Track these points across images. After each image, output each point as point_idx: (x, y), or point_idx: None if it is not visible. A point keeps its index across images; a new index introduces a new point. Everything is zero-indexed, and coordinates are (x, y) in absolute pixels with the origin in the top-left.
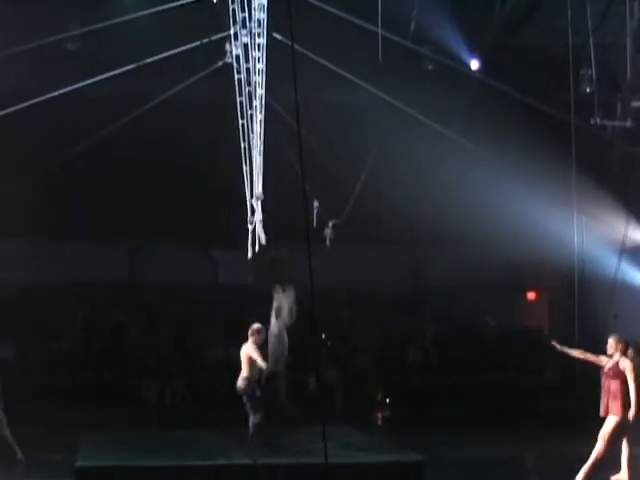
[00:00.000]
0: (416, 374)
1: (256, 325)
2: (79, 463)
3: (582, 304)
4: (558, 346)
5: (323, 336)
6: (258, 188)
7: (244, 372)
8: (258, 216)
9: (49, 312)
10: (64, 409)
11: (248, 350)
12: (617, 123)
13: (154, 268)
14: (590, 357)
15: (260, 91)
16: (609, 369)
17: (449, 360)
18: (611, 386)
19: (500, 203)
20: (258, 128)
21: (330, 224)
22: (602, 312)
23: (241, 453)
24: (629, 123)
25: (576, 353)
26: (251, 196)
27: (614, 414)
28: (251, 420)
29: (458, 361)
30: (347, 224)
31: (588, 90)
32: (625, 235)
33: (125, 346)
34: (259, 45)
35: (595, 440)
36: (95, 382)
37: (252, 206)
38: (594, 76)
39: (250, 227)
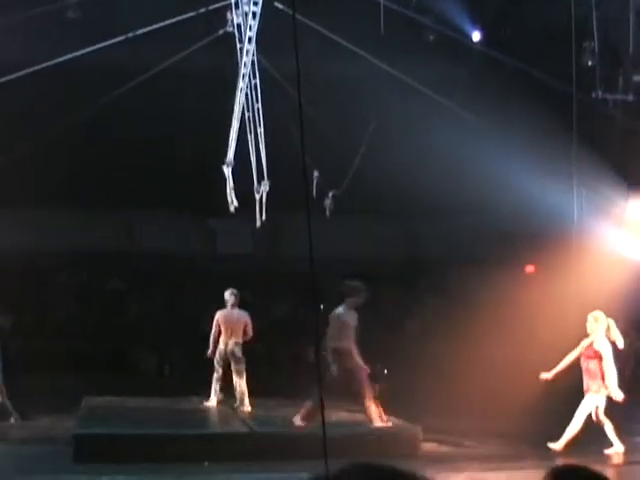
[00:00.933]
0: (414, 345)
1: (233, 290)
2: (76, 430)
3: (580, 279)
4: (549, 376)
5: (322, 307)
6: (230, 154)
7: (238, 338)
8: (230, 183)
9: (47, 280)
10: (62, 377)
11: (244, 316)
12: (619, 97)
13: (152, 237)
14: (576, 353)
15: (251, 58)
16: (586, 349)
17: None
18: (589, 366)
19: (500, 175)
20: (239, 95)
21: (330, 194)
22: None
23: (238, 422)
24: (631, 97)
25: (565, 363)
26: (256, 166)
27: (594, 392)
28: (240, 383)
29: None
30: (346, 196)
31: (590, 63)
32: (624, 209)
33: (122, 315)
34: (254, 13)
35: None
36: (93, 350)
37: (259, 175)
38: (596, 49)
39: (257, 196)
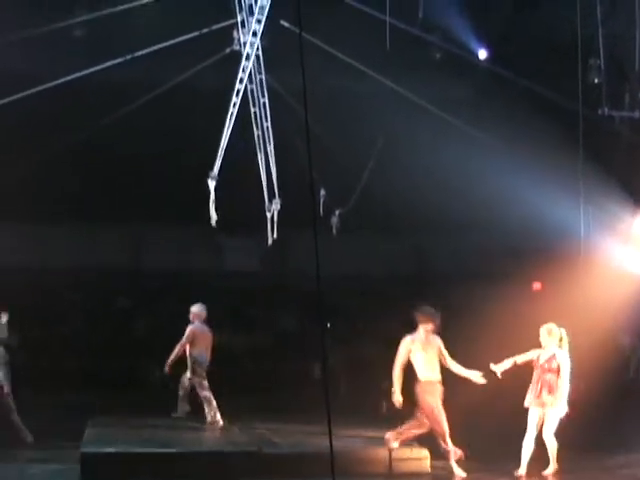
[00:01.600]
0: None
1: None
2: (84, 449)
3: (587, 294)
4: (496, 368)
5: (328, 325)
6: (216, 169)
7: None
8: (212, 196)
9: (53, 297)
10: (69, 395)
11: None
12: (625, 114)
13: (159, 254)
14: (522, 359)
15: (247, 74)
16: (545, 362)
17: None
18: (547, 379)
19: (507, 192)
20: (232, 109)
21: (337, 212)
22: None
23: (246, 440)
24: (637, 114)
25: (509, 364)
26: (267, 184)
27: (551, 407)
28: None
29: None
30: (353, 213)
31: (596, 80)
32: (631, 225)
33: (129, 331)
34: (254, 32)
35: None
36: (99, 368)
37: (270, 193)
38: (602, 66)
39: (269, 215)
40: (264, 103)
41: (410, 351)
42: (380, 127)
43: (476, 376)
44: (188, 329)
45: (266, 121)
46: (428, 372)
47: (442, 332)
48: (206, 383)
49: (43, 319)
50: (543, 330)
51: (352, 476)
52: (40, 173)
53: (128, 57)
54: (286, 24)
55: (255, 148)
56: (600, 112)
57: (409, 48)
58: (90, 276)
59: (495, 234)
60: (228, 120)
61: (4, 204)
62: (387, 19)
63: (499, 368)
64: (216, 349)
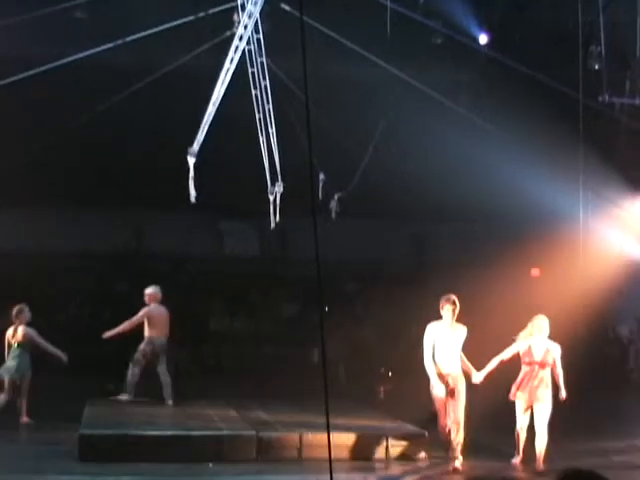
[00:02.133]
0: (421, 348)
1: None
2: (82, 431)
3: (585, 282)
4: (479, 376)
5: (326, 309)
6: (196, 145)
7: (167, 333)
8: (191, 173)
9: (56, 282)
10: (68, 379)
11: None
12: (625, 100)
13: (161, 239)
14: (507, 355)
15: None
16: (542, 358)
17: None
18: (541, 374)
19: (506, 178)
20: (219, 88)
21: (336, 197)
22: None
23: (244, 423)
24: (637, 101)
25: (494, 363)
26: (269, 167)
27: (544, 402)
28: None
29: None
30: (353, 198)
31: (597, 67)
32: (630, 211)
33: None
34: (250, 13)
35: None
36: (99, 352)
37: (273, 176)
38: (603, 53)
39: (271, 198)
40: (265, 86)
41: (434, 338)
42: (380, 112)
43: (475, 376)
44: (142, 310)
45: (267, 104)
46: (442, 363)
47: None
48: (164, 365)
49: (45, 304)
50: (537, 322)
51: (348, 460)
52: (41, 158)
53: (128, 39)
54: (287, 8)
55: (256, 131)
56: (600, 99)
57: (410, 33)
58: (92, 261)
59: (494, 220)
60: (214, 97)
61: (5, 189)
62: (388, 4)
63: (481, 375)
64: (174, 329)
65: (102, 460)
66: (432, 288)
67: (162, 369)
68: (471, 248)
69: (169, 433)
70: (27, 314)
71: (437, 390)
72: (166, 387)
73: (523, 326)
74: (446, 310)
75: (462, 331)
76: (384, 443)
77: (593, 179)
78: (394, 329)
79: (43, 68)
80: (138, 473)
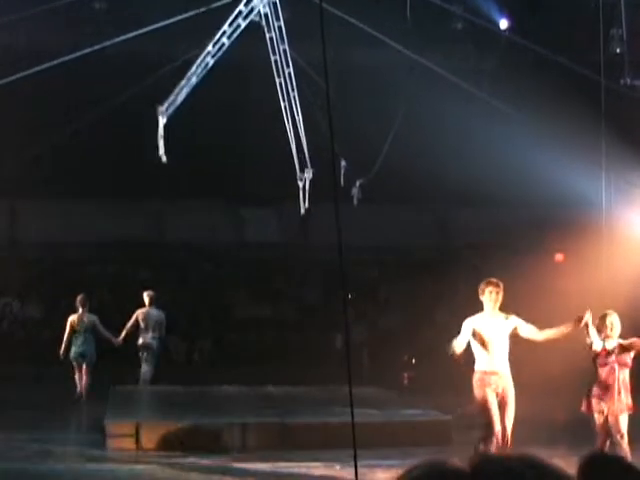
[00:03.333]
0: (445, 334)
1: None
2: (107, 419)
3: (610, 266)
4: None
5: (350, 295)
6: (167, 104)
7: (154, 333)
8: (160, 131)
9: (78, 271)
10: (93, 366)
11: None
12: None
13: (181, 227)
14: (564, 330)
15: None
16: (619, 356)
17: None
18: (622, 376)
19: (528, 163)
20: (207, 58)
21: (357, 183)
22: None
23: (269, 411)
24: None
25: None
26: (297, 154)
27: (628, 410)
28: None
29: None
30: (375, 184)
31: (618, 50)
32: None
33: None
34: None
35: None
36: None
37: (301, 163)
38: (625, 36)
39: (300, 184)
40: (289, 73)
41: (473, 332)
42: (401, 98)
43: (566, 327)
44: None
45: (292, 91)
46: (480, 361)
47: (467, 303)
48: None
49: (66, 293)
50: (611, 319)
51: (373, 447)
52: (63, 150)
53: (149, 29)
54: None
55: (277, 119)
56: (622, 82)
57: (430, 19)
58: (114, 250)
59: (516, 205)
60: (199, 60)
61: (28, 181)
62: None
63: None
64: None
65: (126, 448)
66: (455, 273)
67: (144, 365)
68: (494, 233)
69: (194, 421)
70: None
71: (479, 391)
72: (143, 381)
73: (549, 312)
74: (487, 296)
75: (509, 321)
76: (408, 429)
77: (616, 162)
78: (417, 315)
79: (65, 58)
80: (163, 460)
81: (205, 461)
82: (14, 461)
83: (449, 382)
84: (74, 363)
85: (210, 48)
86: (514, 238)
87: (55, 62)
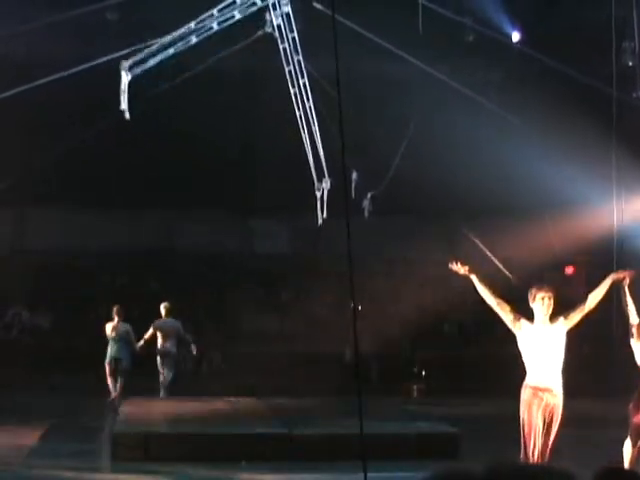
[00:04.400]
0: (452, 346)
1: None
2: (117, 429)
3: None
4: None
5: (359, 308)
6: (131, 62)
7: (172, 341)
8: (123, 86)
9: (86, 280)
10: (101, 376)
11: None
12: None
13: (191, 237)
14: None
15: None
16: None
17: (486, 332)
18: None
19: (539, 176)
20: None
21: (368, 195)
22: None
23: (277, 422)
24: None
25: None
26: (314, 163)
27: None
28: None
29: (494, 333)
30: (386, 196)
31: (630, 63)
32: None
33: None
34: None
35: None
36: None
37: (319, 173)
38: (637, 49)
39: (318, 194)
40: (304, 84)
41: (514, 322)
42: (413, 110)
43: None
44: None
45: (307, 101)
46: (532, 374)
47: (475, 317)
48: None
49: (75, 302)
50: None
51: (382, 459)
52: (73, 158)
53: (160, 40)
54: (319, 6)
55: (288, 129)
56: (634, 95)
57: (442, 31)
58: (123, 260)
59: (526, 218)
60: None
61: (38, 189)
62: (420, 1)
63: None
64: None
65: (135, 458)
66: (463, 286)
67: (164, 369)
68: (504, 245)
69: (202, 431)
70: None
71: (526, 411)
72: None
73: None
74: (538, 302)
75: (560, 329)
76: (417, 442)
77: (627, 176)
78: (428, 327)
79: (76, 69)
80: (171, 471)
81: (213, 472)
82: (21, 469)
83: (458, 393)
84: (108, 367)
85: (192, 25)
86: (524, 251)
87: (65, 73)
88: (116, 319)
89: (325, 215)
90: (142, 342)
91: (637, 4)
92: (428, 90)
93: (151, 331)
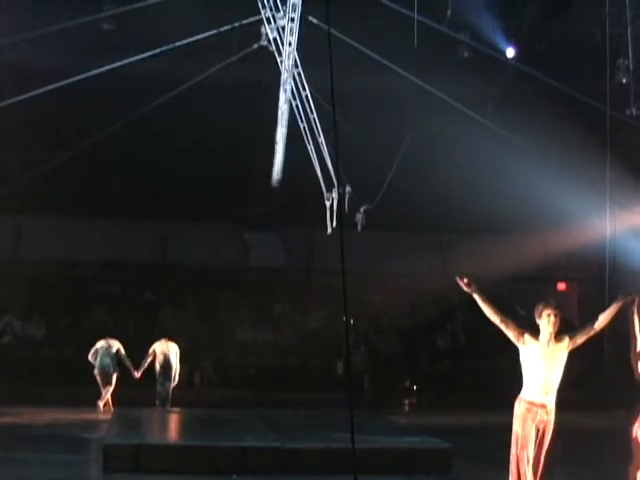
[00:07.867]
0: (444, 360)
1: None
2: (108, 440)
3: (613, 295)
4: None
5: (352, 321)
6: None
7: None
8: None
9: (81, 291)
10: (94, 387)
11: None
12: None
13: (186, 249)
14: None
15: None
16: None
17: (478, 347)
18: None
19: (532, 192)
20: None
21: (362, 209)
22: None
23: (269, 435)
24: None
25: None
26: (322, 174)
27: None
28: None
29: (487, 348)
30: (379, 210)
31: (624, 80)
32: None
33: (156, 325)
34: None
35: None
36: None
37: (328, 183)
38: (631, 66)
39: (327, 204)
40: (306, 96)
41: (518, 338)
42: (407, 125)
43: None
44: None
45: (311, 113)
46: (529, 389)
47: (467, 331)
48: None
49: (69, 312)
50: None
51: (374, 473)
52: (70, 169)
53: (156, 51)
54: (315, 21)
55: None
56: (628, 112)
57: (437, 46)
58: (118, 271)
59: (520, 234)
60: None
61: (33, 200)
62: (415, 17)
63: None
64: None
65: (126, 470)
66: (454, 300)
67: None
68: (497, 261)
69: (194, 443)
70: None
71: (519, 425)
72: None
73: None
74: (544, 320)
75: (565, 346)
76: (408, 457)
77: (620, 192)
78: (419, 341)
79: (72, 79)
80: None
81: None
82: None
83: (450, 407)
84: (100, 377)
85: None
86: (517, 266)
87: (63, 83)
88: (108, 341)
89: (334, 224)
90: (144, 365)
91: (631, 22)
92: (423, 105)
93: (151, 353)
